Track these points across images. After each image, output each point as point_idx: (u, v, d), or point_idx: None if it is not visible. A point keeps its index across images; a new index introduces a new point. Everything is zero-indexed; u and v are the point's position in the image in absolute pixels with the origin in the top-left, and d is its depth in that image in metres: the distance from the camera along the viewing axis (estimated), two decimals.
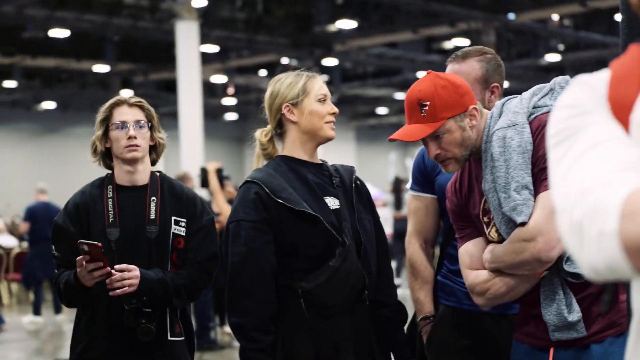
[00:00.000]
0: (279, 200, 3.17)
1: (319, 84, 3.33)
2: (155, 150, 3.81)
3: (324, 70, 31.39)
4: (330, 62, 28.73)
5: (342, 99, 34.86)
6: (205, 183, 9.82)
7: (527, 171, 2.96)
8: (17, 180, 32.80)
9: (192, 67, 19.62)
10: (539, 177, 2.95)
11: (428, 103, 3.08)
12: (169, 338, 3.65)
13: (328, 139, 3.35)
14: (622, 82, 1.55)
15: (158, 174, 3.82)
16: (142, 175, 3.72)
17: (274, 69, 28.92)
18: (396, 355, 3.46)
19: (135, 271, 3.52)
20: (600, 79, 1.59)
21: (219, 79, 29.86)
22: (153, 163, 3.82)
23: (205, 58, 25.08)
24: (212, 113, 32.35)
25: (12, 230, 18.24)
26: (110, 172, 3.78)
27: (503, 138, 3.04)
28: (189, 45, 19.76)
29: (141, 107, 3.73)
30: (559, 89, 3.30)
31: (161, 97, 34.29)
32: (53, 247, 3.75)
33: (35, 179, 17.49)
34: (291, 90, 3.30)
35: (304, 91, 3.29)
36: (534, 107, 3.18)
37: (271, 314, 3.16)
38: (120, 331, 3.56)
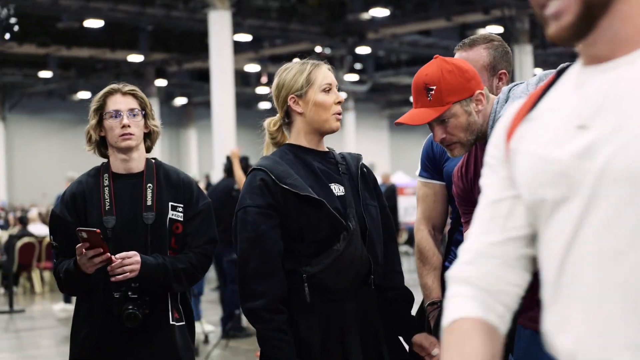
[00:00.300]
0: (285, 186, 3.18)
1: (323, 74, 3.31)
2: (149, 138, 3.82)
3: (357, 58, 31.37)
4: (363, 50, 28.71)
5: (376, 87, 34.87)
6: (230, 171, 9.90)
7: None
8: (52, 169, 33.13)
9: (224, 56, 19.66)
10: None
11: (434, 87, 3.08)
12: (170, 323, 3.67)
13: (333, 130, 3.35)
14: (520, 112, 1.65)
15: (153, 160, 3.83)
16: (137, 162, 3.74)
17: (308, 57, 28.91)
18: (405, 338, 3.46)
19: (135, 257, 3.54)
20: (514, 110, 1.69)
21: (252, 68, 29.96)
22: (148, 150, 3.84)
23: (239, 47, 25.16)
24: (245, 102, 32.47)
25: (45, 219, 18.44)
26: (105, 160, 3.81)
27: None
28: (222, 34, 19.80)
29: (134, 96, 3.74)
30: None
31: (195, 87, 34.49)
32: (51, 237, 3.79)
33: (70, 169, 17.65)
34: (295, 82, 3.29)
35: (308, 82, 3.28)
36: None
37: (281, 295, 3.17)
38: (119, 318, 3.59)
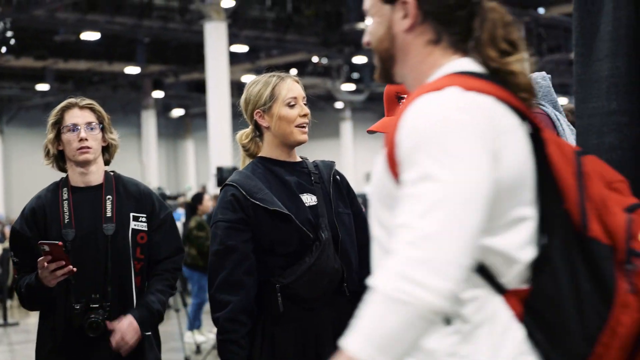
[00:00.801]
0: (255, 201, 3.23)
1: (287, 88, 3.35)
2: (108, 151, 3.86)
3: (354, 68, 31.39)
4: (360, 59, 28.71)
5: (373, 96, 34.86)
6: (221, 183, 9.96)
7: None
8: (49, 183, 33.05)
9: (220, 67, 19.73)
10: None
11: (406, 95, 3.13)
12: None
13: (299, 143, 3.38)
14: None
15: (112, 173, 3.87)
16: (95, 175, 3.77)
17: (304, 67, 28.99)
18: None
19: (131, 325, 3.60)
20: None
21: (249, 78, 29.89)
22: (107, 163, 3.88)
23: (235, 58, 25.20)
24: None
25: None
26: (65, 174, 3.83)
27: None
28: (218, 45, 19.88)
29: (92, 109, 3.78)
30: (535, 85, 3.29)
31: (192, 98, 34.49)
32: (12, 253, 3.82)
33: None
34: (260, 97, 3.34)
35: (272, 97, 3.33)
36: None
37: (244, 307, 3.19)
38: (81, 329, 3.60)
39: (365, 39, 2.02)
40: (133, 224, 3.71)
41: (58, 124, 3.74)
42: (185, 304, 10.13)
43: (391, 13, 1.95)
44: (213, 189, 16.34)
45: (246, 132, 3.48)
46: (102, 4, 22.79)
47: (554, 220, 1.81)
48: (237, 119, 3.49)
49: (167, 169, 39.11)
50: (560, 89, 28.85)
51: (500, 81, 1.85)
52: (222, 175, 10.04)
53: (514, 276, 1.81)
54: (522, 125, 1.84)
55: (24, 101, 33.36)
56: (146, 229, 3.74)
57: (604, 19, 2.52)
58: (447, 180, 1.70)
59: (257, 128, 3.41)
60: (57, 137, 3.75)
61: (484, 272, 1.80)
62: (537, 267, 1.81)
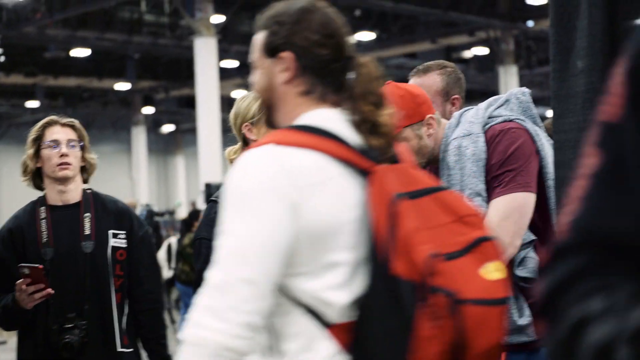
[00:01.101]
0: None
1: None
2: (86, 171, 3.86)
3: None
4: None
5: None
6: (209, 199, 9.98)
7: (480, 179, 3.02)
8: None
9: (210, 82, 19.70)
10: (492, 184, 3.01)
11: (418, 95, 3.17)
12: (118, 350, 3.69)
13: None
14: None
15: (89, 190, 3.86)
16: (73, 193, 3.77)
17: None
18: None
19: None
20: None
21: (239, 94, 29.89)
22: (85, 182, 3.87)
23: (226, 73, 25.20)
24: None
25: None
26: (43, 194, 3.82)
27: (458, 147, 3.10)
28: (208, 61, 19.85)
29: (73, 127, 3.79)
30: (515, 100, 3.33)
31: (182, 114, 34.49)
32: None
33: None
34: (249, 110, 3.36)
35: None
36: (489, 117, 3.22)
37: None
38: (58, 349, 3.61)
39: (254, 88, 2.20)
40: (113, 241, 3.72)
41: (38, 140, 3.74)
42: (173, 321, 10.11)
43: (272, 66, 2.12)
44: (202, 206, 16.33)
45: (235, 148, 3.49)
46: (92, 20, 22.81)
47: (371, 260, 1.94)
48: (227, 134, 3.51)
49: (158, 185, 39.05)
50: (550, 102, 28.90)
51: (365, 128, 2.04)
52: (210, 192, 10.02)
53: (335, 315, 1.95)
54: (346, 174, 1.99)
55: (14, 118, 33.33)
56: (125, 245, 3.74)
57: (579, 35, 2.55)
58: (239, 235, 1.90)
59: (246, 143, 3.43)
60: (37, 154, 3.74)
61: (309, 309, 1.96)
62: (358, 304, 1.94)
